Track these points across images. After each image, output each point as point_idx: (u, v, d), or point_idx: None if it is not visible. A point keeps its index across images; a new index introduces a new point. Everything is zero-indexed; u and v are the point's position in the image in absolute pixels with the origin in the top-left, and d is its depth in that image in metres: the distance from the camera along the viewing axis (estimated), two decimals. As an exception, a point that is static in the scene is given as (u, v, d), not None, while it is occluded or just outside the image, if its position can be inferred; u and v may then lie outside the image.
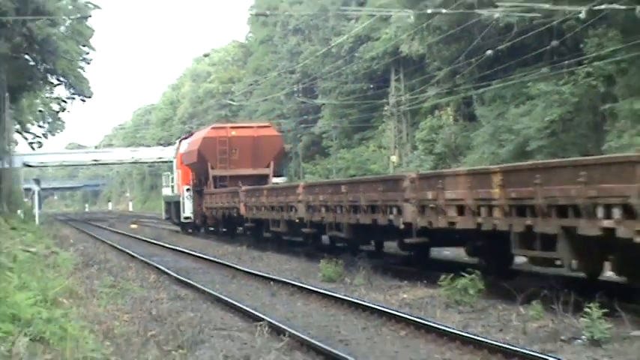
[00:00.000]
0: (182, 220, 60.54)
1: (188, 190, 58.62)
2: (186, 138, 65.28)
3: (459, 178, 21.12)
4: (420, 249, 25.85)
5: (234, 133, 54.56)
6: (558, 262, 17.73)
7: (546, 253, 17.54)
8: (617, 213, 14.87)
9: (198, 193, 55.62)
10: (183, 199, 59.62)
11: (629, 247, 15.24)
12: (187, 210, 58.33)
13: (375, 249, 30.20)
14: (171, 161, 70.27)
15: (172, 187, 66.69)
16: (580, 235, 15.97)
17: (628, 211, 14.39)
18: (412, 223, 23.45)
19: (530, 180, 17.23)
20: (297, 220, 35.49)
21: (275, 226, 38.62)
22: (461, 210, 20.61)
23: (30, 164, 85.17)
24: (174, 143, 71.84)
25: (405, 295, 20.01)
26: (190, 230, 59.84)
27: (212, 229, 53.89)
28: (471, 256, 23.69)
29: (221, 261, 34.24)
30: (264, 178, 49.62)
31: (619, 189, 14.82)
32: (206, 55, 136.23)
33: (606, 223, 15.22)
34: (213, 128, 59.29)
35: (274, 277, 25.28)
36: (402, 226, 24.10)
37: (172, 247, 44.85)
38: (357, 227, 27.67)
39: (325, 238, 34.63)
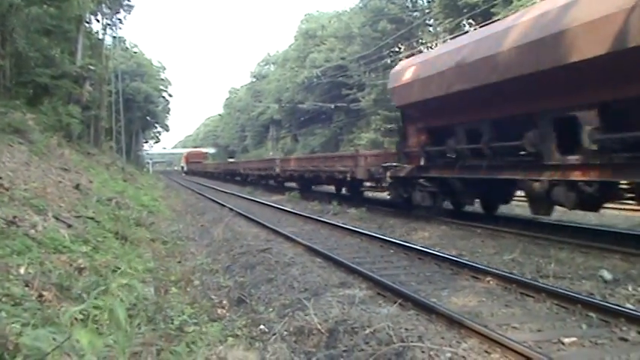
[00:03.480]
0: (184, 171, 67.04)
1: (186, 164, 66.11)
2: (188, 149, 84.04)
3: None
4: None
5: (195, 151, 69.47)
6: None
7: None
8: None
9: (187, 165, 64.27)
10: (184, 166, 67.03)
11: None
12: (185, 169, 65.25)
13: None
14: (182, 154, 78.34)
15: (182, 162, 74.56)
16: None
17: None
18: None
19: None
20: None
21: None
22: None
23: (148, 153, 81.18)
24: (184, 151, 78.33)
25: (273, 198, 19.60)
26: (185, 175, 62.79)
27: (192, 174, 57.67)
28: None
29: (207, 185, 32.70)
30: (202, 163, 58.05)
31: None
32: (208, 118, 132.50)
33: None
34: (190, 149, 76.51)
35: (228, 191, 24.50)
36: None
37: (189, 180, 43.90)
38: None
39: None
